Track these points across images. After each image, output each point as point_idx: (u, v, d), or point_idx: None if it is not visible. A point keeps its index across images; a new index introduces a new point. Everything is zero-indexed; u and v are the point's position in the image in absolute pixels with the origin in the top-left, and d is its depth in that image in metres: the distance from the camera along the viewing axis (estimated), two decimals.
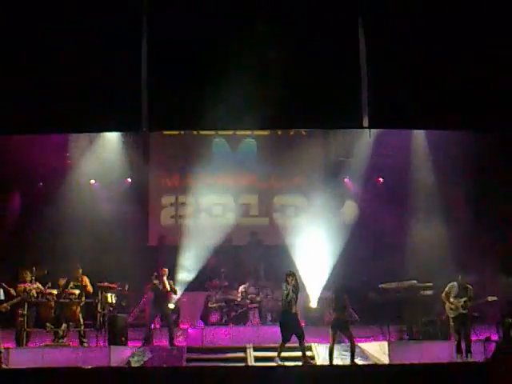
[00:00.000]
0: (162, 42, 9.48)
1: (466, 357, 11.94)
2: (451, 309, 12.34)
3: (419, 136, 16.07)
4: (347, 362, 12.26)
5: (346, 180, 17.81)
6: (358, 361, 12.32)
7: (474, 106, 9.96)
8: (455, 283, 12.47)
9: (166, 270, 14.22)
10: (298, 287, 12.51)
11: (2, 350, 11.55)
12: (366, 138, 15.95)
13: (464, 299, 12.27)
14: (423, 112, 9.84)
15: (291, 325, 12.28)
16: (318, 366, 12.41)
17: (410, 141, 16.29)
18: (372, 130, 13.56)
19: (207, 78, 9.54)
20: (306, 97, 9.62)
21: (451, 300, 12.35)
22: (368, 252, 15.70)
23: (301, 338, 12.19)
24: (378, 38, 9.60)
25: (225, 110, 9.40)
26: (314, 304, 15.19)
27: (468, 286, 12.45)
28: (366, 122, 9.79)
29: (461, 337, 12.14)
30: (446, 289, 12.50)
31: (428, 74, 9.68)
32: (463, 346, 12.08)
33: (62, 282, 13.69)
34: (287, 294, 12.33)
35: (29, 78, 9.45)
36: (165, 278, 13.98)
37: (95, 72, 9.39)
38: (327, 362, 12.23)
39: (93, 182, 17.20)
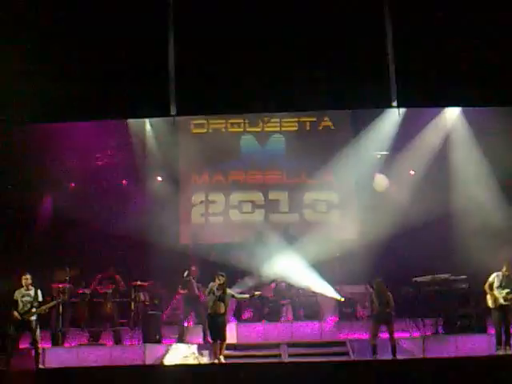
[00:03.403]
0: (189, 26, 9.41)
1: (505, 349, 11.74)
2: (492, 299, 12.09)
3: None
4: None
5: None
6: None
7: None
8: (500, 273, 12.13)
9: (195, 269, 14.23)
10: (220, 288, 12.32)
11: (40, 351, 11.65)
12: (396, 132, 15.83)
13: (506, 291, 11.96)
14: (450, 90, 9.66)
15: (216, 325, 12.29)
16: (354, 361, 12.31)
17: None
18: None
19: (233, 62, 9.47)
20: (333, 77, 9.51)
21: (494, 291, 12.08)
22: (401, 245, 15.49)
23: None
24: (404, 17, 9.46)
25: (250, 94, 9.33)
26: (342, 298, 15.04)
27: None
28: (394, 101, 9.68)
29: (501, 329, 11.90)
30: (490, 279, 12.17)
31: (454, 51, 9.52)
32: (503, 338, 11.85)
33: (95, 281, 13.78)
34: (208, 293, 12.34)
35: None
36: (192, 278, 13.95)
37: (122, 58, 9.36)
38: (361, 358, 12.12)
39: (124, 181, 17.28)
